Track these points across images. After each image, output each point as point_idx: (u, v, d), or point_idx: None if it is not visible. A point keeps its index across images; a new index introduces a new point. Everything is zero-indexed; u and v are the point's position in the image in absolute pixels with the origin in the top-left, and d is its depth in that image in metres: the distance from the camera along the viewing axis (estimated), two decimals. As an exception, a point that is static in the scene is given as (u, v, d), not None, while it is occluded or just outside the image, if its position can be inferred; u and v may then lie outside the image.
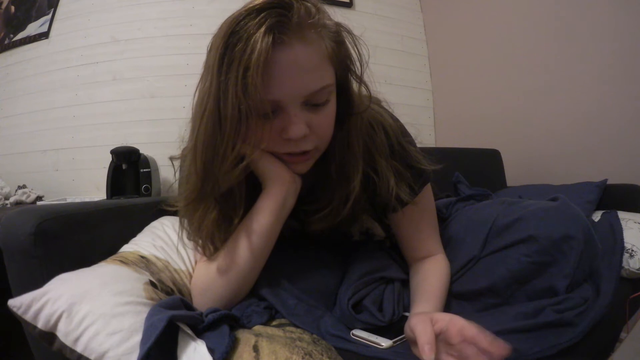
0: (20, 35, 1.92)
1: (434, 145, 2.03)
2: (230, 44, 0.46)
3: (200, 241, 0.60)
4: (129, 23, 1.78)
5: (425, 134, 2.05)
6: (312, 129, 0.53)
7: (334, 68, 0.54)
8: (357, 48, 0.56)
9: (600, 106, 1.38)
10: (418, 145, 0.68)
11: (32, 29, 1.89)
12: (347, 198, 0.59)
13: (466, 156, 1.62)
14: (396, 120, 0.67)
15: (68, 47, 1.81)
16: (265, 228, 0.57)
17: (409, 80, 2.04)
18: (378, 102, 0.67)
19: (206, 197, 0.54)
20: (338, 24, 0.55)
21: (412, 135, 0.68)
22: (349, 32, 0.56)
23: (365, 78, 0.58)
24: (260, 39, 0.45)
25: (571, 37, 1.45)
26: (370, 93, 0.59)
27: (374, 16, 2.01)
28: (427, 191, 0.68)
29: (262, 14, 0.46)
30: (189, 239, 0.62)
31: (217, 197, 0.55)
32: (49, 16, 1.85)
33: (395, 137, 0.63)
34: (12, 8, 2.01)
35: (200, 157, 0.51)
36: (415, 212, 0.66)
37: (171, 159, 0.60)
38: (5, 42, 1.95)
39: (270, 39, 0.45)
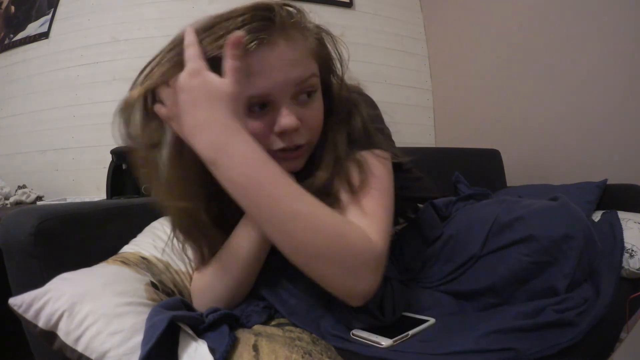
0: (20, 35, 1.92)
1: (434, 145, 2.04)
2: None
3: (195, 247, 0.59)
4: (129, 23, 1.78)
5: (425, 134, 2.05)
6: (303, 122, 0.53)
7: (318, 65, 0.56)
8: (337, 49, 0.59)
9: (600, 106, 1.38)
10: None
11: (32, 29, 1.89)
12: (311, 184, 0.56)
13: (466, 156, 1.62)
14: (374, 108, 0.66)
15: (68, 47, 1.81)
16: (256, 227, 0.56)
17: (409, 80, 2.05)
18: (358, 90, 0.67)
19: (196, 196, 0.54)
20: (318, 26, 0.58)
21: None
22: (328, 33, 0.59)
23: (347, 78, 0.60)
24: (246, 36, 0.47)
25: (571, 37, 1.45)
26: (348, 89, 0.61)
27: (374, 16, 2.01)
28: (380, 161, 0.58)
29: (245, 16, 0.48)
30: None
31: (212, 195, 0.54)
32: (49, 16, 1.85)
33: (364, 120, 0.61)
34: (12, 8, 2.01)
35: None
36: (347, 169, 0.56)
37: None
38: (5, 42, 1.95)
39: (251, 37, 0.47)
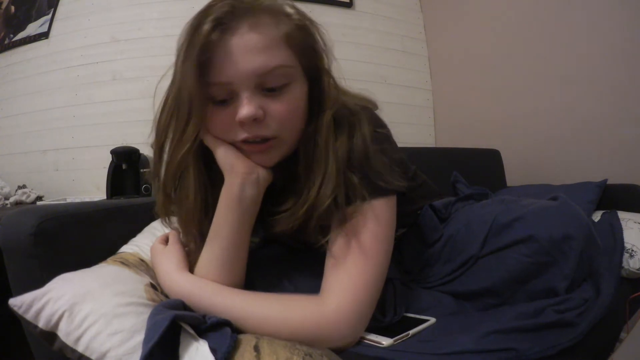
0: (20, 35, 1.91)
1: (434, 145, 2.04)
2: (188, 36, 0.51)
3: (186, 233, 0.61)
4: (129, 23, 1.78)
5: (425, 134, 2.05)
6: (269, 115, 0.51)
7: (295, 54, 0.53)
8: (321, 38, 0.56)
9: (600, 106, 1.38)
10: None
11: (32, 29, 1.89)
12: (305, 200, 0.54)
13: (466, 156, 1.62)
14: (381, 126, 0.61)
15: (68, 47, 1.81)
16: (229, 221, 0.55)
17: (409, 80, 2.04)
18: (364, 102, 0.64)
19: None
20: (300, 12, 0.56)
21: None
22: (312, 21, 0.56)
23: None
24: (206, 24, 0.49)
25: (571, 37, 1.45)
26: (338, 89, 0.59)
27: (374, 16, 2.01)
28: (375, 213, 0.54)
29: (213, 7, 0.50)
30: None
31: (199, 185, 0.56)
32: (49, 16, 1.85)
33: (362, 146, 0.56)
34: (12, 8, 2.01)
35: (157, 142, 0.56)
36: (343, 232, 0.54)
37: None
38: (5, 42, 1.95)
39: (214, 24, 0.49)
